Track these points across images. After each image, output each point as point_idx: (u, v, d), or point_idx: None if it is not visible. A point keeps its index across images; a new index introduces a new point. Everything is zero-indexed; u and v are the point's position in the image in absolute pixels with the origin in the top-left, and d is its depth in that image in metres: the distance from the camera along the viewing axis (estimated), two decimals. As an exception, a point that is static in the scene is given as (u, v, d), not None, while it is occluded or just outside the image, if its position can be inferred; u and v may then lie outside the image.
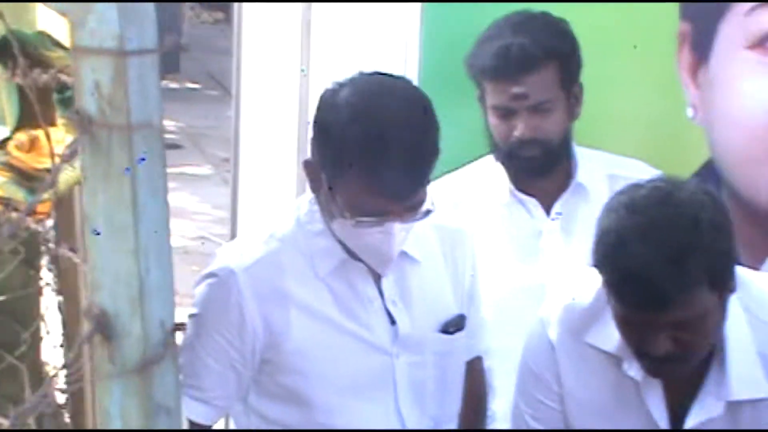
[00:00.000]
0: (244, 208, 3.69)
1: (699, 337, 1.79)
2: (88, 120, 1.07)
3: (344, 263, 1.99)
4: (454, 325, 2.09)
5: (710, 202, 1.79)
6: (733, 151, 2.88)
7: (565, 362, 1.95)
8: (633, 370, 1.86)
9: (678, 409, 1.91)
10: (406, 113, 1.92)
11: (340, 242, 1.96)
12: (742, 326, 1.86)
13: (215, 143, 7.98)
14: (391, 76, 2.03)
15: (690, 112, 2.83)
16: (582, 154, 2.47)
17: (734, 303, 1.86)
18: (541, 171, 2.43)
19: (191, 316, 2.03)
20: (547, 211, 2.45)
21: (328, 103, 1.94)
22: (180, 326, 1.13)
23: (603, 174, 2.45)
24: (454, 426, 2.14)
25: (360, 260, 1.97)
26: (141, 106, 1.08)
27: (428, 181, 1.93)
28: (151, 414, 1.09)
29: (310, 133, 2.02)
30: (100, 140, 1.06)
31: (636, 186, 1.84)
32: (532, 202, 2.47)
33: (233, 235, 3.55)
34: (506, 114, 2.37)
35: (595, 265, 1.81)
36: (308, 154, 2.04)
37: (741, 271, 1.87)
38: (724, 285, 1.77)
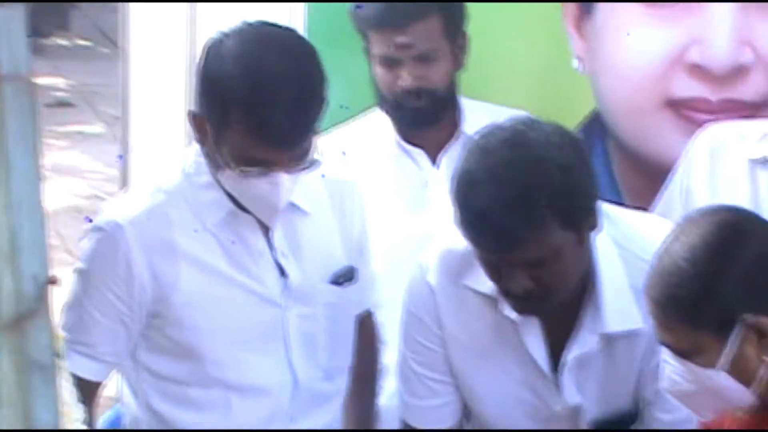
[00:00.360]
0: (135, 165, 3.67)
1: (557, 276, 1.83)
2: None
3: (232, 215, 1.99)
4: (344, 277, 2.12)
5: (565, 143, 1.83)
6: (618, 101, 2.95)
7: (445, 306, 1.99)
8: (508, 310, 1.90)
9: (558, 347, 1.96)
10: (292, 62, 1.92)
11: (228, 194, 1.96)
12: (614, 261, 1.91)
13: (107, 101, 7.80)
14: (277, 26, 2.04)
15: (576, 63, 2.89)
16: (468, 105, 2.51)
17: (605, 239, 1.91)
18: (427, 121, 2.45)
19: (77, 271, 2.01)
20: (434, 161, 2.48)
21: (212, 53, 1.94)
22: (53, 280, 1.12)
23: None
24: (345, 378, 2.18)
25: (248, 212, 1.98)
26: (8, 58, 1.07)
27: (314, 131, 1.94)
28: (24, 370, 1.09)
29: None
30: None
31: (497, 127, 1.88)
32: (419, 153, 2.50)
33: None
34: (391, 64, 2.41)
35: (453, 206, 1.87)
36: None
37: (609, 208, 1.93)
38: (579, 224, 1.80)
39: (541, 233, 1.76)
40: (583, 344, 1.93)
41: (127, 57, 3.65)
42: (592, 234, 1.87)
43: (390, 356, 2.32)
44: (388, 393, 2.30)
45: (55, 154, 6.42)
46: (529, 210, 1.75)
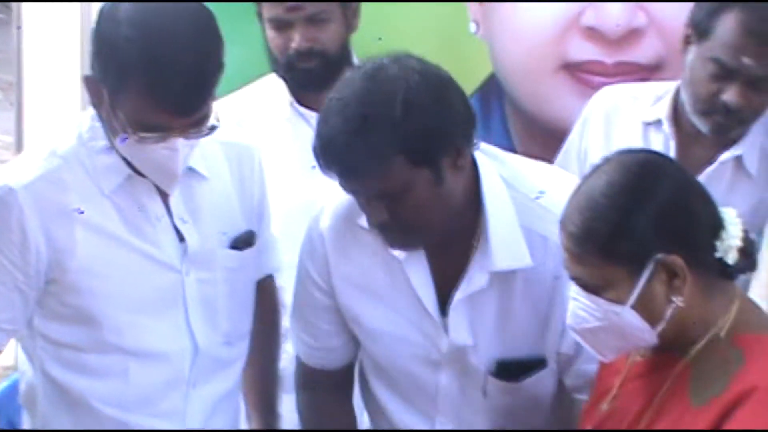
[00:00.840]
0: (29, 132, 3.67)
1: (414, 212, 1.88)
2: None
3: (130, 180, 2.02)
4: (243, 242, 2.17)
5: (424, 82, 1.88)
6: (514, 64, 3.04)
7: (337, 248, 2.05)
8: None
9: (450, 287, 2.03)
10: (189, 27, 1.95)
11: (125, 159, 1.99)
12: (504, 200, 1.98)
13: (1, 67, 7.72)
14: None
15: (473, 26, 2.95)
16: None
17: (495, 179, 1.98)
18: (320, 83, 2.49)
19: None
20: None
21: (108, 16, 1.95)
22: None
23: None
24: (245, 343, 2.23)
25: (146, 177, 2.01)
26: None
27: (212, 97, 1.97)
28: None
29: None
30: None
31: (372, 60, 1.98)
32: (313, 116, 2.54)
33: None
34: (282, 26, 2.49)
35: None
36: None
37: (499, 152, 2.03)
38: (433, 163, 1.85)
39: (384, 167, 1.82)
40: (472, 282, 1.99)
41: (20, 21, 3.62)
42: (461, 175, 1.92)
43: (290, 320, 2.37)
44: (290, 356, 2.36)
45: (-53, 121, 6.30)
46: (369, 142, 1.81)
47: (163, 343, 2.12)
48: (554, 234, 1.90)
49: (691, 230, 1.86)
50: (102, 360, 2.12)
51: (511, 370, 2.06)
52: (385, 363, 2.15)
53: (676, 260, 1.81)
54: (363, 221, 2.01)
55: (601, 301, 1.84)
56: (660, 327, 1.86)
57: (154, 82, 1.90)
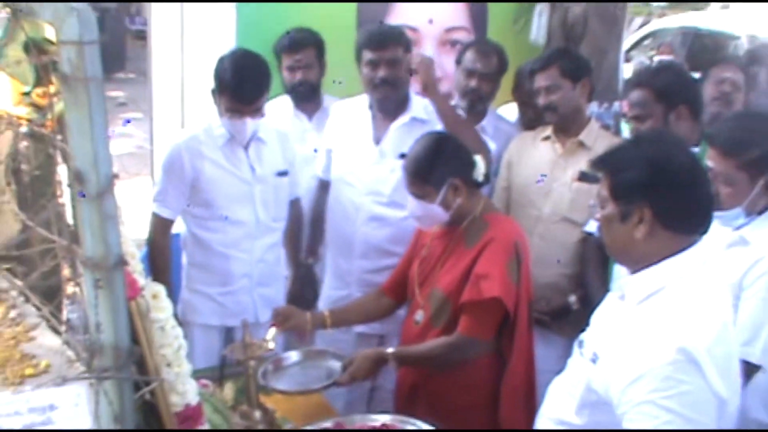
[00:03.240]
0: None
1: None
2: None
3: (230, 140, 3.59)
4: (282, 174, 3.76)
5: None
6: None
7: None
8: None
9: None
10: (250, 61, 3.53)
11: (228, 130, 3.57)
12: None
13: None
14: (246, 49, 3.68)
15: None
16: None
17: None
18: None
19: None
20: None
21: (220, 59, 3.52)
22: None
23: None
24: (282, 222, 3.87)
25: (235, 138, 3.60)
26: None
27: (263, 98, 3.51)
28: None
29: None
30: None
31: None
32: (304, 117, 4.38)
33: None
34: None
35: None
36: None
37: None
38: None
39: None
40: None
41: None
42: None
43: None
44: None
45: None
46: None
47: (242, 216, 3.63)
48: None
49: (464, 164, 2.97)
50: (214, 224, 3.63)
51: None
52: None
53: (458, 182, 2.95)
54: None
55: (423, 203, 2.99)
56: (450, 211, 2.99)
57: (233, 87, 3.45)
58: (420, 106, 3.74)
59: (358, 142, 3.83)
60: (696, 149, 3.19)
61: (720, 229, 2.70)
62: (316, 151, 3.99)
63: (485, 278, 2.88)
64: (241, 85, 3.45)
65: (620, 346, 2.06)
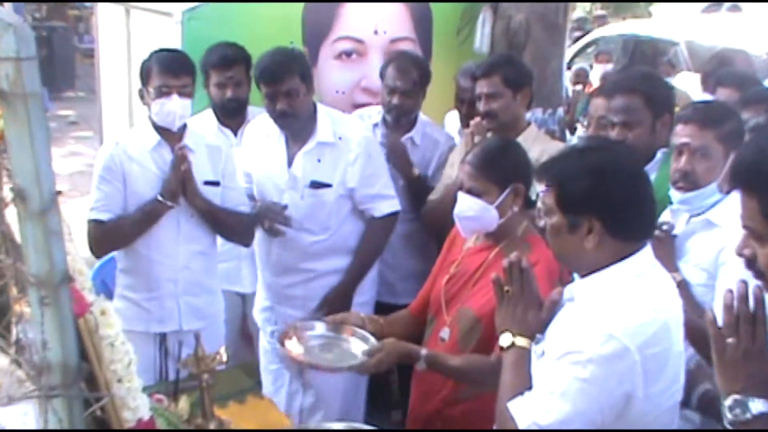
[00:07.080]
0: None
1: None
2: None
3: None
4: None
5: None
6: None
7: None
8: None
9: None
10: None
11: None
12: None
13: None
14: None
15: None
16: None
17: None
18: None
19: None
20: None
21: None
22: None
23: None
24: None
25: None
26: None
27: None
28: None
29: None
30: None
31: None
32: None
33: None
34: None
35: None
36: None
37: None
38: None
39: None
40: None
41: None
42: None
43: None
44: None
45: None
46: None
47: (164, 220, 3.70)
48: None
49: (528, 175, 2.84)
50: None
51: None
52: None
53: (521, 188, 2.82)
54: None
55: (481, 200, 2.84)
56: (503, 216, 2.85)
57: (158, 64, 3.61)
58: (327, 128, 3.86)
59: (271, 164, 3.98)
60: (665, 149, 3.32)
61: (684, 219, 2.88)
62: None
63: None
64: (166, 59, 3.61)
65: (560, 338, 2.12)
